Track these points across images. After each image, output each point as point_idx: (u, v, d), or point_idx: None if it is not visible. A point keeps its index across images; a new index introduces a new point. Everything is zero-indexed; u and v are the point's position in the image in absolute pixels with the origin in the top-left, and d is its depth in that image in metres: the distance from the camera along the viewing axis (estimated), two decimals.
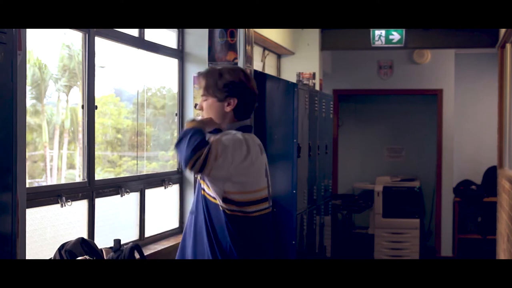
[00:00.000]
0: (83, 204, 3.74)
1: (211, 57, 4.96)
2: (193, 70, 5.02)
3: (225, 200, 2.65)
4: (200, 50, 5.01)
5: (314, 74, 7.27)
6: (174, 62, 5.02)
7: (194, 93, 4.95)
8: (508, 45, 6.38)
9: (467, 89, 9.20)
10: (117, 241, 3.30)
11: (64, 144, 3.77)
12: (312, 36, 7.41)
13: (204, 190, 2.70)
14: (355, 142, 9.63)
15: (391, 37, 7.51)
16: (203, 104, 2.76)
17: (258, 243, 2.75)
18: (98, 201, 3.85)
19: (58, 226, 3.52)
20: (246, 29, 5.00)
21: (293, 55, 7.38)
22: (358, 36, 7.66)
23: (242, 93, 2.72)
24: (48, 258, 3.28)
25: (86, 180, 3.76)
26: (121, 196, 4.10)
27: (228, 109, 2.71)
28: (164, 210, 4.88)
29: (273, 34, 6.34)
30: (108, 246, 3.36)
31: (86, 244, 3.23)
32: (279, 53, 7.28)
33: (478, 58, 9.14)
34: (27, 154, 3.03)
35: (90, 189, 3.77)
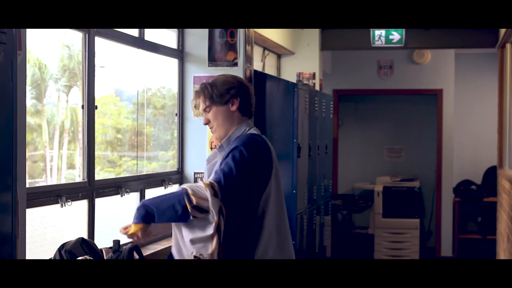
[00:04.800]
0: (83, 204, 3.74)
1: (211, 57, 4.96)
2: (193, 70, 5.02)
3: None
4: (200, 50, 5.01)
5: (314, 74, 7.28)
6: (174, 62, 5.02)
7: (194, 93, 4.95)
8: (508, 45, 6.38)
9: (467, 89, 9.20)
10: (116, 242, 3.29)
11: (64, 144, 3.77)
12: (312, 36, 7.41)
13: None
14: (355, 142, 9.63)
15: (391, 37, 7.51)
16: (208, 116, 2.88)
17: None
18: (98, 201, 3.85)
19: (58, 226, 3.52)
20: (246, 29, 5.00)
21: (293, 55, 7.38)
22: (358, 36, 7.66)
23: (241, 92, 2.86)
24: (48, 258, 3.28)
25: (86, 180, 3.76)
26: (121, 196, 4.10)
27: (234, 108, 2.84)
28: None
29: (273, 34, 6.34)
30: (108, 246, 3.36)
31: (86, 244, 3.23)
32: (279, 53, 7.28)
33: (478, 58, 9.15)
34: (27, 154, 3.03)
35: (90, 189, 3.77)
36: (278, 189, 2.79)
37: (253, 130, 2.86)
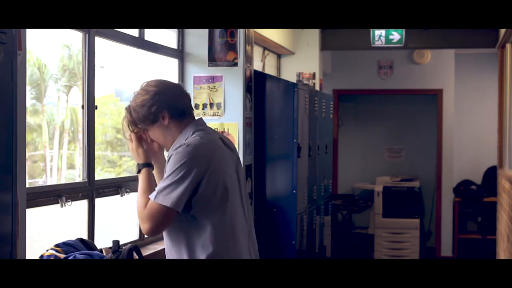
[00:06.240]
0: (83, 204, 3.73)
1: (211, 57, 4.96)
2: (193, 70, 5.02)
3: None
4: (200, 50, 5.01)
5: (314, 74, 7.28)
6: (174, 62, 5.02)
7: (194, 93, 4.95)
8: (508, 45, 6.38)
9: (467, 89, 9.20)
10: (116, 242, 3.29)
11: (64, 144, 3.77)
12: (312, 36, 7.41)
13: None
14: (355, 142, 9.63)
15: (391, 37, 7.51)
16: (150, 135, 2.70)
17: None
18: (98, 201, 3.85)
19: (58, 226, 3.52)
20: (246, 29, 5.00)
21: (293, 55, 7.38)
22: (358, 36, 7.66)
23: (164, 103, 2.63)
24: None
25: (86, 180, 3.76)
26: (121, 196, 4.10)
27: (166, 121, 2.64)
28: None
29: (273, 34, 6.34)
30: (108, 246, 3.35)
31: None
32: (279, 53, 7.28)
33: (478, 58, 9.15)
34: (27, 154, 3.03)
35: (90, 189, 3.77)
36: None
37: (196, 135, 2.62)
